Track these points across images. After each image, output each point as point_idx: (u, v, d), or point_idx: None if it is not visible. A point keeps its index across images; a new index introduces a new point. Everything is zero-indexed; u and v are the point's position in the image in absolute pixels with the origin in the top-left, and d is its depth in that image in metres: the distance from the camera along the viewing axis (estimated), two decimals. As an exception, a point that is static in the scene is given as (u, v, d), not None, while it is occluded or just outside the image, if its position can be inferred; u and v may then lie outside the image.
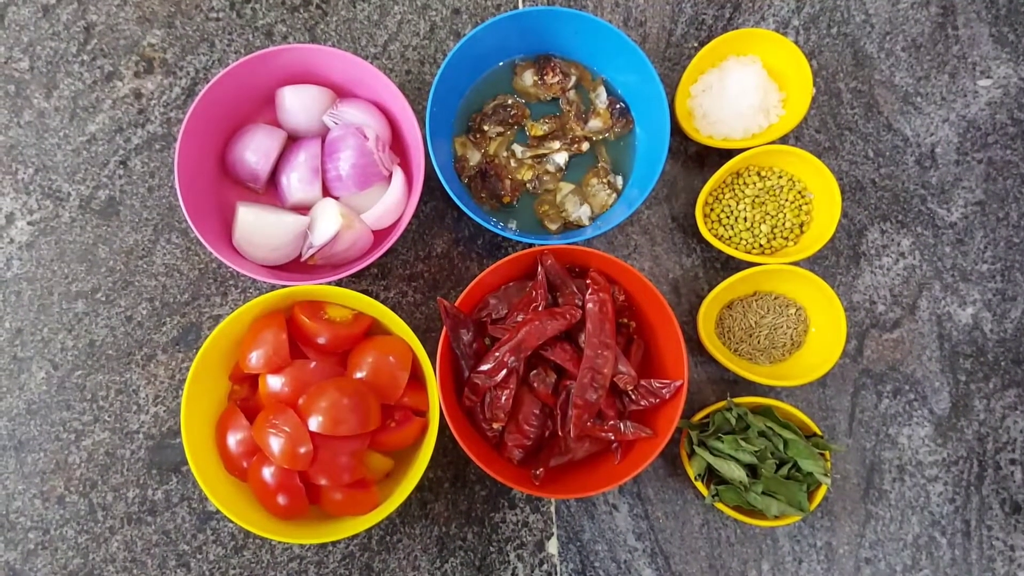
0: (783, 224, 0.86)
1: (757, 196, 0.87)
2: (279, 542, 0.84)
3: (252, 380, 0.80)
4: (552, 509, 0.86)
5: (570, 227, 0.89)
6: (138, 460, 0.85)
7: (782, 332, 0.86)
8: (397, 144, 0.88)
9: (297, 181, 0.82)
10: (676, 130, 0.90)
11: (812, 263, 0.91)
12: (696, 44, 0.94)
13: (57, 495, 0.84)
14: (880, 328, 0.90)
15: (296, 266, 0.85)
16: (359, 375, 0.77)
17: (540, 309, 0.78)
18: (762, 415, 0.82)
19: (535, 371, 0.79)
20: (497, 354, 0.76)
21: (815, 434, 0.81)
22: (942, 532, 0.87)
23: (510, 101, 0.89)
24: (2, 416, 0.85)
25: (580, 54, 0.90)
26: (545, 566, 0.85)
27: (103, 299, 0.87)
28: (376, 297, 0.88)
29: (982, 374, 0.90)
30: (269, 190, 0.87)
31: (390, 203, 0.82)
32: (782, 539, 0.87)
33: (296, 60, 0.82)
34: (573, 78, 0.90)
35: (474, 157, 0.89)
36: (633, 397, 0.79)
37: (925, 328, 0.90)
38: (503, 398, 0.77)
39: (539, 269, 0.79)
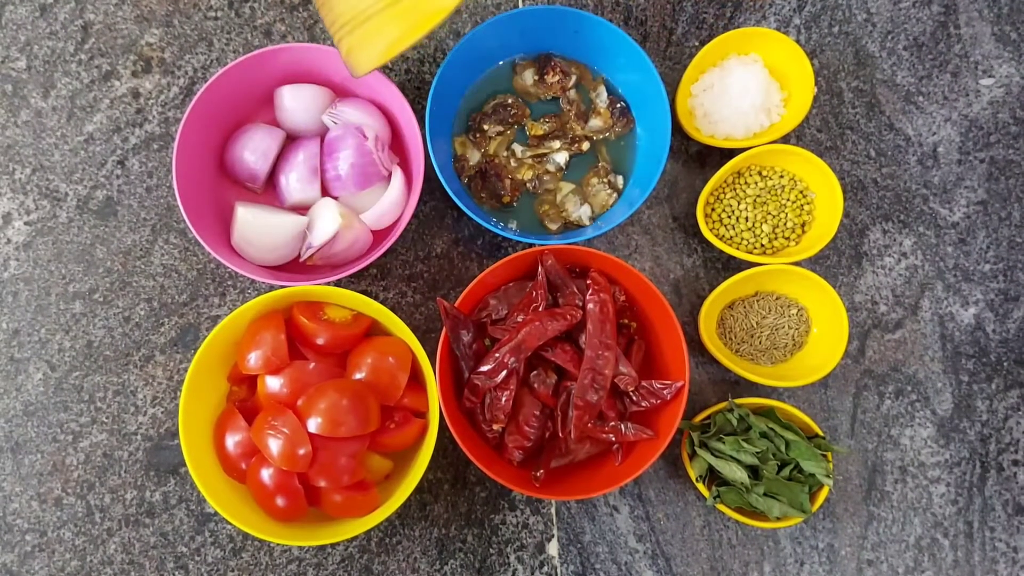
0: (784, 224, 0.86)
1: (758, 196, 0.87)
2: (278, 544, 0.84)
3: (251, 381, 0.79)
4: (552, 511, 0.86)
5: (570, 227, 0.88)
6: (136, 462, 0.85)
7: (784, 333, 0.86)
8: (396, 144, 0.88)
9: (296, 181, 0.82)
10: (677, 129, 0.90)
11: (814, 263, 0.91)
12: (697, 43, 0.93)
13: (54, 497, 0.84)
14: (882, 328, 0.90)
15: (295, 266, 0.85)
16: (358, 376, 0.76)
17: (540, 310, 0.77)
18: (764, 416, 0.81)
19: (535, 372, 0.78)
20: (497, 355, 0.76)
21: (817, 435, 0.81)
22: (944, 534, 0.87)
23: (510, 100, 0.89)
24: (-1, 417, 0.85)
25: (580, 53, 0.89)
26: (546, 568, 0.85)
27: (101, 300, 0.86)
28: (375, 297, 0.88)
29: (984, 375, 0.89)
30: (268, 190, 0.86)
31: (389, 203, 0.82)
32: (784, 541, 0.86)
33: (295, 59, 0.81)
34: (573, 77, 0.89)
35: (474, 157, 0.89)
36: (634, 398, 0.79)
37: (927, 328, 0.90)
38: (503, 399, 0.77)
39: (539, 269, 0.79)
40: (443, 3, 0.68)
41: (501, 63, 0.90)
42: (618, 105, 0.89)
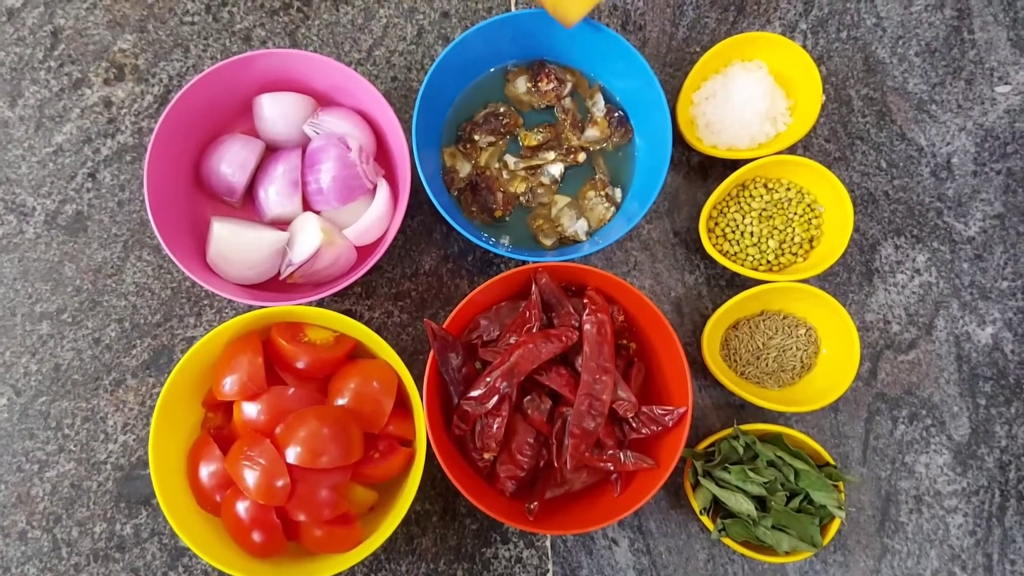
0: (792, 239, 0.85)
1: (764, 209, 0.85)
2: (256, 580, 0.81)
3: (226, 407, 0.78)
4: (548, 544, 0.84)
5: (566, 243, 0.87)
6: (105, 492, 0.83)
7: (791, 354, 0.84)
8: (382, 155, 0.86)
9: (275, 194, 0.81)
10: (678, 140, 0.88)
11: (823, 280, 0.89)
12: (699, 49, 0.92)
13: (18, 531, 0.81)
14: (895, 349, 0.88)
15: (274, 285, 0.84)
16: (341, 402, 0.75)
17: (534, 331, 0.76)
18: (771, 443, 0.80)
19: (529, 397, 0.77)
20: (488, 379, 0.74)
21: (827, 463, 0.80)
22: (963, 567, 0.85)
23: (502, 109, 0.87)
24: (-40, 445, 0.83)
25: (576, 59, 0.88)
26: (540, 604, 0.82)
27: (69, 320, 0.85)
28: (359, 318, 0.86)
29: (1003, 398, 0.88)
30: (246, 204, 0.86)
31: (374, 217, 0.81)
32: None
33: (275, 66, 0.80)
34: (569, 85, 0.88)
35: (464, 168, 0.87)
36: (634, 425, 0.77)
37: (942, 349, 0.88)
38: (495, 426, 0.75)
39: (533, 288, 0.78)
40: None
41: (492, 70, 0.89)
42: (616, 114, 0.87)
